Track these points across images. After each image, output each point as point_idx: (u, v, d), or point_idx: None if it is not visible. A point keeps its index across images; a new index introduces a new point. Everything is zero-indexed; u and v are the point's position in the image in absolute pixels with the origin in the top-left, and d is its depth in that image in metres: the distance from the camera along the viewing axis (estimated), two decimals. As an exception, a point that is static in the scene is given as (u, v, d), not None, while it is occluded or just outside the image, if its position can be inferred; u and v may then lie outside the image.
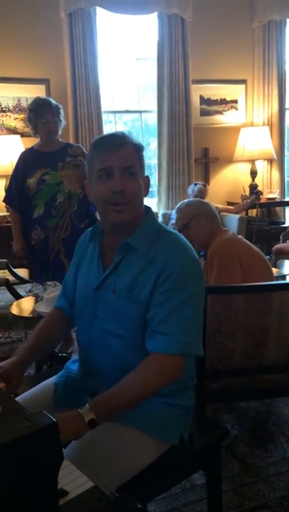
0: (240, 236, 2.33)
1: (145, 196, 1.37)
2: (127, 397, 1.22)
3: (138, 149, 1.33)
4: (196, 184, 4.76)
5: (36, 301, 2.65)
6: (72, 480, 0.89)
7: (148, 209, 1.40)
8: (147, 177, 1.38)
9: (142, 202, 1.36)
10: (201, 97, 5.31)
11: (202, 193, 4.60)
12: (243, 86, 5.49)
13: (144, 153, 1.36)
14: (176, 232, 1.40)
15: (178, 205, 2.35)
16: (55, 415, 1.06)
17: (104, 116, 4.91)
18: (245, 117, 5.55)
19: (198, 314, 1.31)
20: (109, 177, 1.28)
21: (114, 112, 5.31)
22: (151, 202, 5.60)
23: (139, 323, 1.29)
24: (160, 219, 5.02)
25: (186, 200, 2.39)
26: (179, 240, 1.34)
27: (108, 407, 1.19)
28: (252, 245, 2.27)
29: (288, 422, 2.36)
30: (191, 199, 2.52)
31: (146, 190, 1.37)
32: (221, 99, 5.40)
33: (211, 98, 5.36)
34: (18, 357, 1.39)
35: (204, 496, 1.69)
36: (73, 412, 1.15)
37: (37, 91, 4.37)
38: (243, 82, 5.49)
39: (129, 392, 1.22)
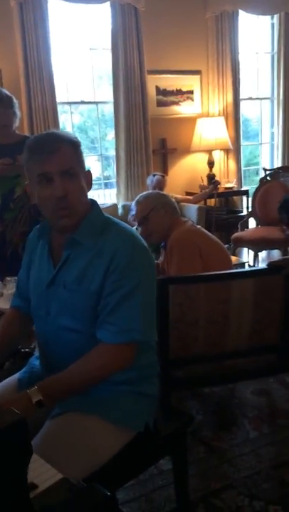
0: (198, 226, 2.37)
1: (89, 191, 1.38)
2: (73, 381, 1.26)
3: (75, 146, 1.32)
4: (154, 175, 4.78)
5: (-3, 298, 2.61)
6: (42, 473, 0.90)
7: (93, 202, 1.41)
8: (89, 172, 1.38)
9: (85, 200, 1.36)
10: (157, 88, 5.31)
11: (161, 184, 4.63)
12: (198, 77, 5.53)
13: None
14: (124, 223, 1.40)
15: (137, 198, 2.37)
16: (3, 398, 1.08)
17: (59, 107, 4.84)
18: (201, 108, 5.59)
19: (149, 302, 1.33)
20: (49, 182, 1.28)
21: (70, 103, 5.24)
22: (110, 193, 5.58)
23: (92, 314, 1.31)
24: (120, 210, 5.02)
25: (144, 193, 2.40)
26: (126, 231, 1.35)
27: (56, 389, 1.23)
28: (210, 235, 2.32)
29: (250, 405, 2.44)
30: (150, 191, 2.54)
31: (89, 186, 1.37)
32: (176, 89, 5.42)
33: (167, 89, 5.37)
34: None
35: (171, 481, 1.74)
36: (21, 393, 1.20)
37: (-11, 82, 4.25)
38: (198, 72, 5.52)
39: (76, 377, 1.26)
